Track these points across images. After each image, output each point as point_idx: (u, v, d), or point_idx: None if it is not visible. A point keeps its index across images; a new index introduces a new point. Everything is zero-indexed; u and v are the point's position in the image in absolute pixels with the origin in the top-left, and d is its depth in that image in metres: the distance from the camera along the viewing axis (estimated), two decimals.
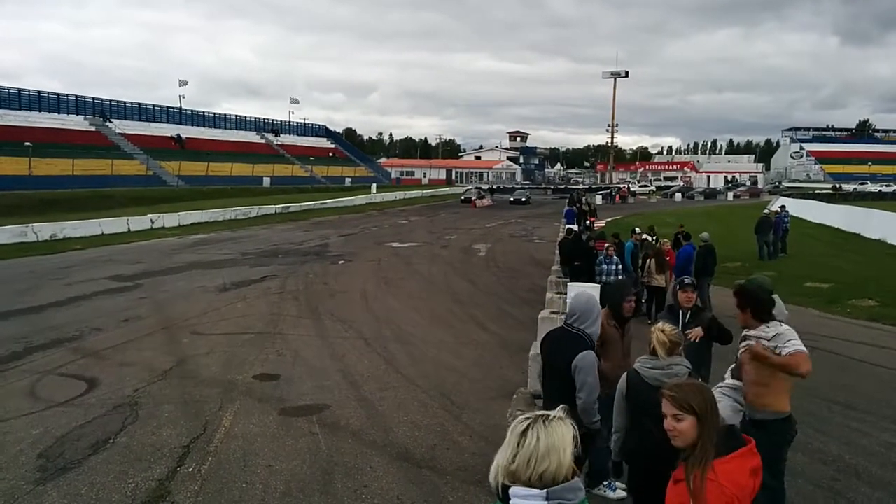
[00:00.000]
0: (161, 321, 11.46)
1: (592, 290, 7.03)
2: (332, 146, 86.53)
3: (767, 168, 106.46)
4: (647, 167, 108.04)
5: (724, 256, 14.95)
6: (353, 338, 10.35)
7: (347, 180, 73.45)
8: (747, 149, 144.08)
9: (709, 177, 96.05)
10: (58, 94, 57.53)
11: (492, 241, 26.10)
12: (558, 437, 1.83)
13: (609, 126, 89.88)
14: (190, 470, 5.62)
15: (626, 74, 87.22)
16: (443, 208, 49.05)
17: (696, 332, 5.30)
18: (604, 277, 11.26)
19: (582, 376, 4.19)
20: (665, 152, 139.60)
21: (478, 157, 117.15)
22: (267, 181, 60.96)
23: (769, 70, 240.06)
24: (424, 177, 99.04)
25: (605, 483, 5.16)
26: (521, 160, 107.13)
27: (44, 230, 24.80)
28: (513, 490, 1.80)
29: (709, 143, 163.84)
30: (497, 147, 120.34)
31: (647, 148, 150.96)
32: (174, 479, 5.44)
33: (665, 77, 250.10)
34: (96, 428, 6.54)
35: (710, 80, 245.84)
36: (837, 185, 70.70)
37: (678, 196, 68.55)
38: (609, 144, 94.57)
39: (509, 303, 13.60)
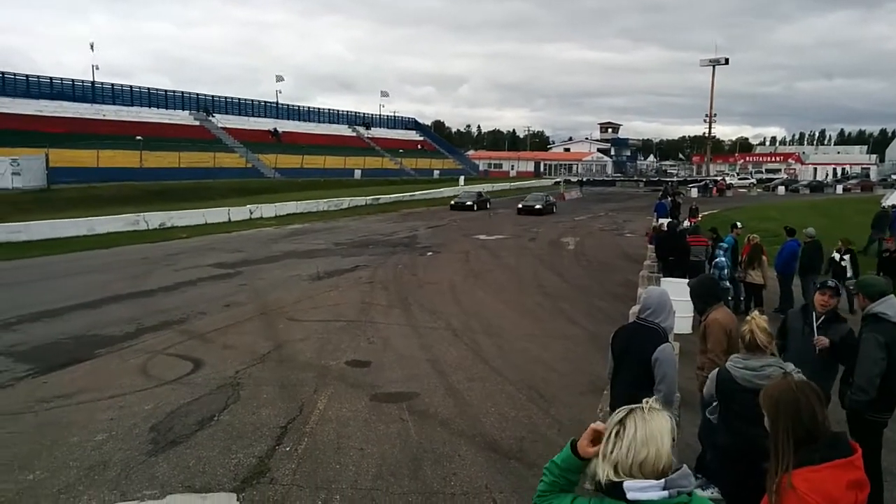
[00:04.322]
0: (259, 307, 12.01)
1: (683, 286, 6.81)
2: (421, 139, 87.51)
3: (882, 160, 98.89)
4: (747, 159, 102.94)
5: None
6: (441, 328, 10.47)
7: (436, 172, 74.24)
8: (859, 139, 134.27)
9: (815, 169, 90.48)
10: (165, 91, 61.05)
11: (581, 235, 25.66)
12: (656, 426, 1.84)
13: (707, 116, 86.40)
14: (287, 449, 5.87)
15: (726, 61, 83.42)
16: None
17: (821, 341, 4.85)
18: (727, 284, 10.95)
19: (663, 368, 4.14)
20: (767, 143, 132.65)
21: (567, 150, 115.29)
22: (358, 173, 62.47)
23: (886, 54, 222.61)
24: (512, 169, 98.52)
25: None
26: (612, 152, 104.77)
27: (154, 219, 26.45)
28: (627, 484, 1.80)
29: (816, 134, 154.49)
30: (587, 139, 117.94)
31: (747, 139, 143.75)
32: (273, 457, 5.71)
33: (769, 63, 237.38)
34: (202, 405, 6.95)
35: (819, 65, 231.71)
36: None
37: (781, 189, 64.95)
38: (706, 135, 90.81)
39: (599, 297, 13.34)
